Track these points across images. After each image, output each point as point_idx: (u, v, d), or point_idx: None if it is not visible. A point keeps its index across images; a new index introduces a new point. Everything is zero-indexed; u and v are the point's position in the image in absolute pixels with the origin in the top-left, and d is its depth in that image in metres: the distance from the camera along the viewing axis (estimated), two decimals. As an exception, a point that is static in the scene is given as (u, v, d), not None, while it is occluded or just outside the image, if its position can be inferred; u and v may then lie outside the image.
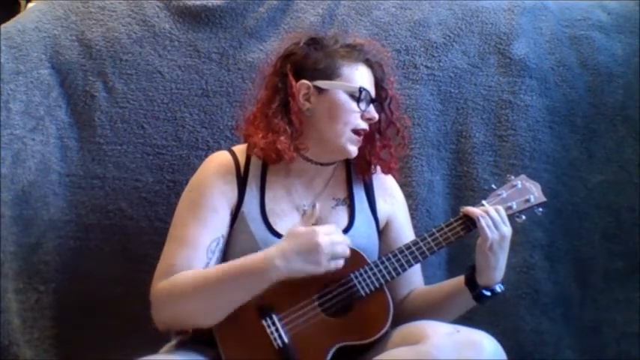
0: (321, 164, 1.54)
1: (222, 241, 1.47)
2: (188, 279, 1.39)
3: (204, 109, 1.92)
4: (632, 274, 1.94)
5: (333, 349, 1.39)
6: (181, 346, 1.46)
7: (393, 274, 1.44)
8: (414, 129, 1.91)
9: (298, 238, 1.36)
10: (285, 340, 1.39)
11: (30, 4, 2.08)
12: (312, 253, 1.34)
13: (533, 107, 1.97)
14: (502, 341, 1.33)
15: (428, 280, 1.66)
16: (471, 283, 1.47)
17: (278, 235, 1.47)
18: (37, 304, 1.79)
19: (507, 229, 1.44)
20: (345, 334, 1.40)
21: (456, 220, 1.48)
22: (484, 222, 1.43)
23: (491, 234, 1.42)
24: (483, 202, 1.50)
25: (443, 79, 1.98)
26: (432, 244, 1.46)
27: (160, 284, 1.41)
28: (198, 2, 1.97)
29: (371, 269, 1.44)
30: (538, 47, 2.02)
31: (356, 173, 1.59)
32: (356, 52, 1.53)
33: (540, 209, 1.54)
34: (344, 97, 1.49)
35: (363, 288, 1.43)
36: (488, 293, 1.46)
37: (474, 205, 1.50)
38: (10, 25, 1.91)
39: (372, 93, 1.53)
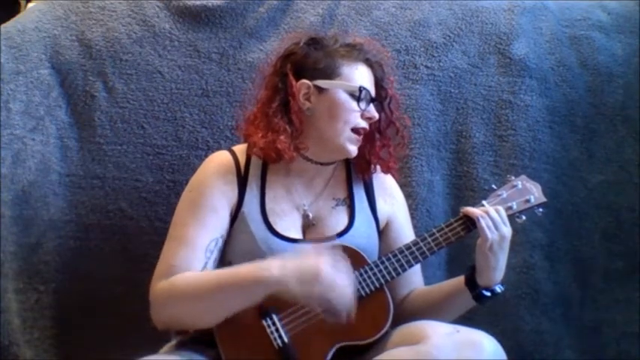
0: (321, 164, 1.55)
1: (220, 242, 1.46)
2: (188, 282, 1.38)
3: (204, 109, 1.92)
4: (632, 274, 1.94)
5: (333, 349, 1.39)
6: (181, 346, 1.46)
7: (393, 274, 1.45)
8: (414, 129, 1.91)
9: (305, 257, 1.33)
10: (285, 340, 1.39)
11: (30, 4, 2.08)
12: (310, 278, 1.29)
13: (533, 107, 1.97)
14: (502, 341, 1.33)
15: (428, 280, 1.66)
16: (471, 284, 1.47)
17: (278, 235, 1.47)
18: (37, 304, 1.79)
19: (507, 230, 1.44)
20: (345, 334, 1.40)
21: (456, 221, 1.48)
22: (484, 222, 1.43)
23: (491, 234, 1.42)
24: (483, 202, 1.51)
25: (443, 79, 1.98)
26: (432, 244, 1.46)
27: (160, 284, 1.41)
28: (198, 2, 1.97)
29: (371, 269, 1.44)
30: (538, 47, 2.02)
31: (356, 173, 1.59)
32: (356, 52, 1.53)
33: (540, 209, 1.54)
34: (344, 97, 1.49)
35: (363, 288, 1.43)
36: (488, 293, 1.47)
37: (473, 205, 1.50)
38: (10, 25, 1.91)
39: (372, 92, 1.53)
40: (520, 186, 1.53)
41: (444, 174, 1.96)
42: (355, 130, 1.51)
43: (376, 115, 1.53)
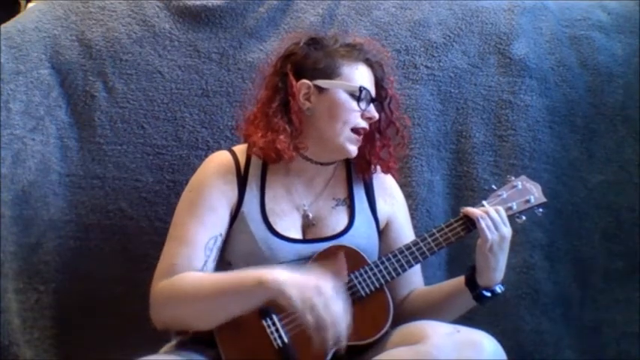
0: (321, 164, 1.55)
1: (220, 240, 1.46)
2: (188, 284, 1.38)
3: (204, 109, 1.92)
4: (632, 274, 1.94)
5: (333, 349, 1.39)
6: (181, 346, 1.46)
7: (393, 274, 1.45)
8: (414, 129, 1.91)
9: (313, 274, 1.31)
10: (285, 340, 1.39)
11: (30, 4, 2.08)
12: (308, 290, 1.27)
13: (533, 107, 1.97)
14: (502, 341, 1.33)
15: (428, 280, 1.66)
16: (471, 284, 1.47)
17: (278, 235, 1.47)
18: (37, 304, 1.79)
19: (507, 230, 1.44)
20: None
21: (456, 221, 1.48)
22: (484, 223, 1.43)
23: (491, 235, 1.42)
24: (484, 202, 1.51)
25: (443, 79, 1.98)
26: (432, 244, 1.46)
27: (160, 284, 1.41)
28: (198, 2, 1.97)
29: (371, 269, 1.44)
30: (538, 47, 2.02)
31: (356, 173, 1.59)
32: (356, 52, 1.53)
33: (540, 210, 1.54)
34: (344, 97, 1.49)
35: (363, 288, 1.43)
36: (488, 294, 1.47)
37: (473, 205, 1.50)
38: (10, 25, 1.91)
39: (372, 92, 1.53)
40: (520, 186, 1.53)
41: (444, 174, 1.96)
42: (355, 130, 1.51)
43: (376, 115, 1.53)
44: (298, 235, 1.50)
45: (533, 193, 1.53)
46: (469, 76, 1.99)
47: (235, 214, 1.49)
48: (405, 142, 1.64)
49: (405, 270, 1.46)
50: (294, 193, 1.54)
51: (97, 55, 1.91)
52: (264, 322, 1.40)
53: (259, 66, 1.77)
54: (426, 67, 1.98)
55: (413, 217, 1.75)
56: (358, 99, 1.49)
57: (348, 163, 1.60)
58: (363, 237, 1.53)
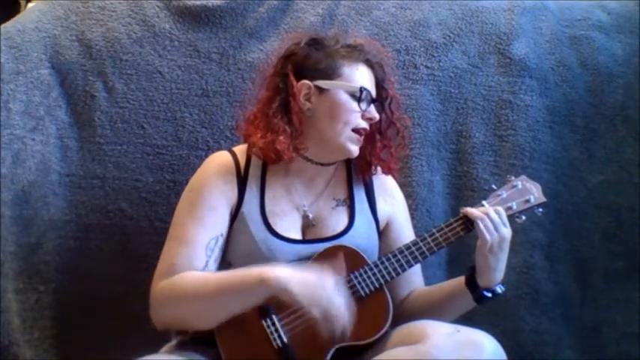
0: (322, 164, 1.54)
1: (221, 240, 1.46)
2: (188, 283, 1.38)
3: (204, 109, 1.92)
4: (632, 274, 1.94)
5: (333, 350, 1.39)
6: (181, 346, 1.46)
7: (393, 274, 1.45)
8: (414, 129, 1.91)
9: (313, 270, 1.34)
10: (285, 340, 1.39)
11: (30, 4, 2.08)
12: (314, 287, 1.30)
13: (533, 107, 1.97)
14: (502, 341, 1.33)
15: (428, 280, 1.66)
16: (472, 285, 1.47)
17: (278, 236, 1.47)
18: (37, 304, 1.79)
19: (507, 231, 1.44)
20: (344, 335, 1.40)
21: (456, 221, 1.48)
22: (483, 225, 1.42)
23: (490, 236, 1.42)
24: (483, 202, 1.51)
25: (443, 79, 1.98)
26: (432, 244, 1.46)
27: (160, 284, 1.41)
28: (198, 2, 1.97)
29: (371, 269, 1.44)
30: (538, 47, 2.02)
31: (356, 174, 1.59)
32: (356, 52, 1.53)
33: (540, 210, 1.54)
34: (345, 97, 1.49)
35: (362, 288, 1.43)
36: (489, 294, 1.47)
37: (473, 205, 1.50)
38: (10, 25, 1.91)
39: (373, 93, 1.53)
40: (520, 186, 1.53)
41: (444, 174, 1.96)
42: (356, 130, 1.51)
43: (377, 116, 1.53)
44: (298, 236, 1.50)
45: (533, 193, 1.53)
46: (469, 76, 1.98)
47: (235, 215, 1.49)
48: (405, 142, 1.64)
49: (404, 270, 1.46)
50: (294, 193, 1.54)
51: (97, 55, 1.91)
52: (263, 322, 1.40)
53: (259, 66, 1.77)
54: (426, 67, 1.98)
55: (413, 217, 1.75)
56: (359, 100, 1.49)
57: (348, 163, 1.60)
58: (363, 237, 1.53)
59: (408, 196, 1.76)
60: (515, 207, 1.50)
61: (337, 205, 1.55)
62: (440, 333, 1.31)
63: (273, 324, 1.40)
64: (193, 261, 1.42)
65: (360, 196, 1.58)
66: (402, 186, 1.71)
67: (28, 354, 1.75)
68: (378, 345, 1.40)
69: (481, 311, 1.62)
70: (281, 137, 1.47)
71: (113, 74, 1.91)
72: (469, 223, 1.46)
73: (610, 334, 1.93)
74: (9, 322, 1.73)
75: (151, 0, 1.97)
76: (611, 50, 2.03)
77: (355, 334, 1.39)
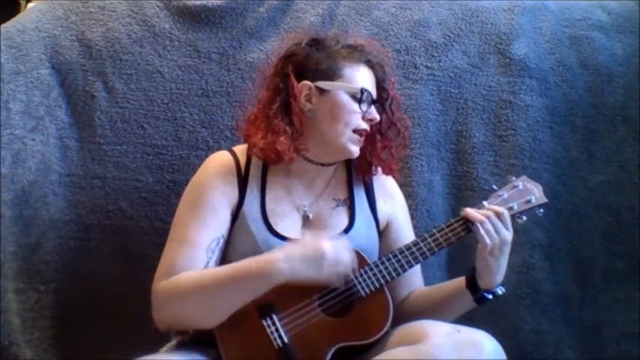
0: (322, 165, 1.54)
1: (222, 241, 1.47)
2: (190, 280, 1.38)
3: (204, 109, 1.92)
4: (632, 274, 1.94)
5: (333, 350, 1.39)
6: (181, 346, 1.46)
7: (393, 274, 1.45)
8: (414, 129, 1.91)
9: (306, 244, 1.37)
10: (285, 340, 1.39)
11: (30, 4, 2.08)
12: (317, 260, 1.35)
13: (533, 107, 1.97)
14: (502, 341, 1.33)
15: (428, 280, 1.66)
16: (472, 286, 1.47)
17: (278, 236, 1.47)
18: (37, 304, 1.79)
19: (509, 234, 1.43)
20: (345, 335, 1.40)
21: (456, 221, 1.47)
22: (483, 228, 1.42)
23: (490, 240, 1.42)
24: (484, 202, 1.50)
25: (443, 79, 1.98)
26: (433, 244, 1.46)
27: (162, 284, 1.41)
28: (198, 2, 1.97)
29: (371, 269, 1.44)
30: (538, 47, 2.02)
31: (356, 174, 1.59)
32: (357, 53, 1.53)
33: (541, 210, 1.54)
34: (345, 98, 1.49)
35: (363, 288, 1.43)
36: (489, 296, 1.47)
37: (473, 205, 1.50)
38: (10, 25, 1.91)
39: (374, 94, 1.53)
40: (521, 186, 1.53)
41: (444, 174, 1.96)
42: (356, 132, 1.50)
43: (377, 117, 1.53)
44: (298, 236, 1.50)
45: (534, 193, 1.52)
46: (469, 76, 1.98)
47: (236, 215, 1.49)
48: (405, 142, 1.64)
49: (405, 270, 1.46)
50: (295, 193, 1.54)
51: (97, 55, 1.91)
52: (264, 322, 1.40)
53: (259, 66, 1.77)
54: (426, 67, 1.98)
55: (413, 217, 1.75)
56: (359, 101, 1.49)
57: (348, 163, 1.60)
58: (363, 237, 1.53)
59: (408, 196, 1.76)
60: (516, 207, 1.50)
61: (337, 206, 1.55)
62: (440, 333, 1.31)
63: (274, 324, 1.40)
64: (194, 262, 1.42)
65: (360, 196, 1.58)
66: (402, 186, 1.71)
67: (28, 354, 1.75)
68: (379, 345, 1.40)
69: (481, 311, 1.62)
70: (282, 138, 1.47)
71: (113, 74, 1.91)
72: (470, 224, 1.46)
73: (610, 334, 1.93)
74: (9, 322, 1.73)
75: (151, 0, 1.97)
76: (611, 50, 2.03)
77: (355, 334, 1.40)
